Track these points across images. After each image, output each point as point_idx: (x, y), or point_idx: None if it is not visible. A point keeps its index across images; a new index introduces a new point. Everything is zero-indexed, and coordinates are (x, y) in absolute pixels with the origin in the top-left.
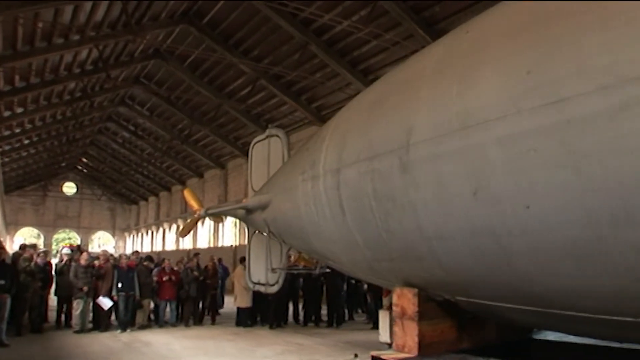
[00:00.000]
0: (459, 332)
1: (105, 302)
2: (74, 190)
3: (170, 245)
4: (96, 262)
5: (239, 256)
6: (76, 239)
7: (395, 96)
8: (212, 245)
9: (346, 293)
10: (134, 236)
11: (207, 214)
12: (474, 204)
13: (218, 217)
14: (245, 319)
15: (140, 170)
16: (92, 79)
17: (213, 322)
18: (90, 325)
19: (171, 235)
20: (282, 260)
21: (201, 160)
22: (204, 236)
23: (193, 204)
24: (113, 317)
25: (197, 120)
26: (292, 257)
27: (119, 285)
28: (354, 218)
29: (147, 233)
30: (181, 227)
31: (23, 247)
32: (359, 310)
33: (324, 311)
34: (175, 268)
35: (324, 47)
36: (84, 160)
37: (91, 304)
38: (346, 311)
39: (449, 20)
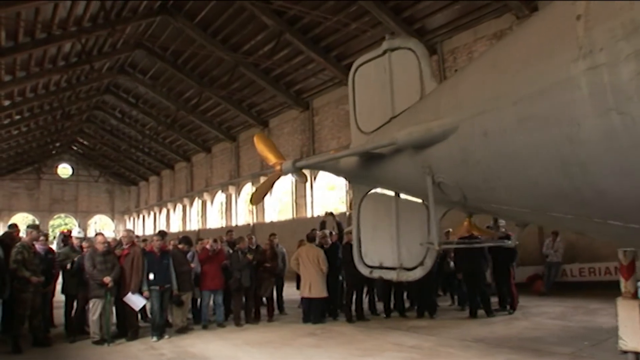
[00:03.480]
0: None
1: (136, 301)
2: (70, 172)
3: (176, 227)
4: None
5: (258, 235)
6: (74, 224)
7: None
8: (224, 224)
9: None
10: (134, 219)
11: (295, 168)
12: None
13: (302, 174)
14: (318, 313)
15: (140, 147)
16: (90, 40)
17: (270, 319)
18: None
19: (176, 216)
20: (432, 230)
21: (209, 133)
22: (214, 215)
23: (269, 155)
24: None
25: (207, 87)
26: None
27: (151, 277)
28: None
29: (148, 215)
30: (254, 190)
31: (14, 226)
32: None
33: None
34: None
35: None
36: (80, 139)
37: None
38: None
39: None
